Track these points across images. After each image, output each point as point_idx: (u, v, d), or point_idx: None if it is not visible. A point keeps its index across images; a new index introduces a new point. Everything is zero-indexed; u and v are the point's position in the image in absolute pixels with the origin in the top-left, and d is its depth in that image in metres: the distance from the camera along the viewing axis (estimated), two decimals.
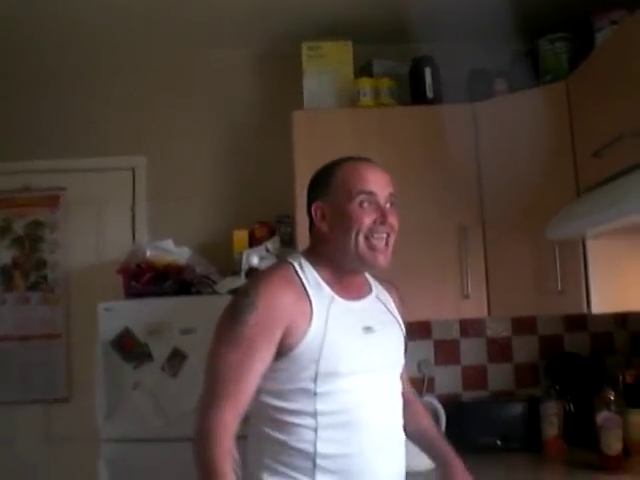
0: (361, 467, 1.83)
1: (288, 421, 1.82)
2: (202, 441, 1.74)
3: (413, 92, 3.16)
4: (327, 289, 1.89)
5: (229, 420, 1.75)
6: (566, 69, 2.85)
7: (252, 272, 2.92)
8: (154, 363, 2.80)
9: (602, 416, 2.62)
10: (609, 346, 3.32)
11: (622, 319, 3.30)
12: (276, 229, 3.26)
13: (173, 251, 3.12)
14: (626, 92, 2.19)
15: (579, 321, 3.32)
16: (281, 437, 1.82)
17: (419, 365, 3.29)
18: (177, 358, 2.78)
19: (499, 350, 3.38)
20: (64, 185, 3.54)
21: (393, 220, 1.89)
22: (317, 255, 1.94)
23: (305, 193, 2.00)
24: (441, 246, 2.93)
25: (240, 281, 2.87)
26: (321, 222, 1.92)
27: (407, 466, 1.98)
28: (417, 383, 3.07)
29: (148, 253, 3.08)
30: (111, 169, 3.54)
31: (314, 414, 1.81)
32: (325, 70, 3.14)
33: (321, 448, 1.80)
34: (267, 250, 3.11)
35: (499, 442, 3.00)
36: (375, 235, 1.86)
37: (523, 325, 3.37)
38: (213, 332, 1.84)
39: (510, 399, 3.23)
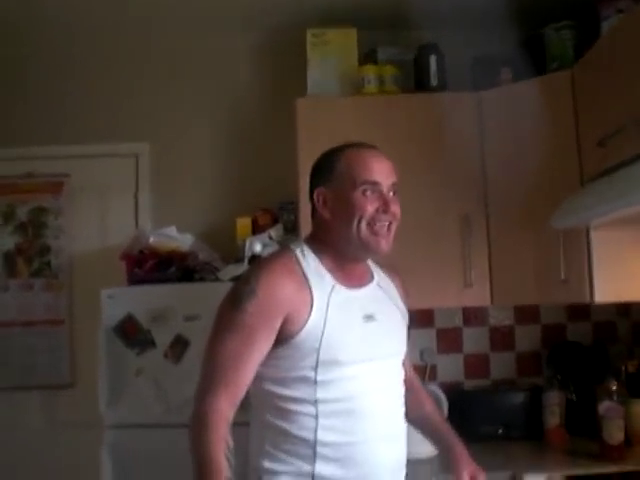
0: (362, 455, 1.83)
1: (290, 409, 1.83)
2: (197, 427, 1.75)
3: (417, 80, 3.15)
4: (328, 277, 1.89)
5: (224, 407, 1.76)
6: (571, 57, 2.83)
7: (255, 259, 2.92)
8: (157, 350, 2.80)
9: (604, 406, 2.62)
10: (612, 336, 3.32)
11: (625, 309, 3.30)
12: (279, 216, 3.26)
13: (176, 238, 3.12)
14: (631, 81, 2.18)
15: (582, 310, 3.32)
16: (283, 425, 1.83)
17: (421, 353, 3.29)
18: (180, 345, 2.78)
19: (501, 339, 3.38)
20: (68, 171, 3.54)
21: (396, 209, 1.89)
22: (319, 242, 1.94)
23: (308, 179, 2.00)
24: (444, 235, 2.93)
25: (243, 268, 2.87)
26: (323, 208, 1.92)
27: (408, 453, 1.99)
28: (419, 371, 3.07)
29: (151, 240, 3.08)
30: (114, 155, 3.53)
31: (315, 402, 1.81)
32: (329, 57, 3.12)
33: (322, 436, 1.80)
34: (270, 237, 3.10)
35: (501, 431, 3.01)
36: (377, 223, 1.87)
37: (526, 314, 3.37)
38: (214, 318, 1.85)
39: (512, 388, 3.24)
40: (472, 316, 3.38)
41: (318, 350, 1.79)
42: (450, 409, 2.92)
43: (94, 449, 2.78)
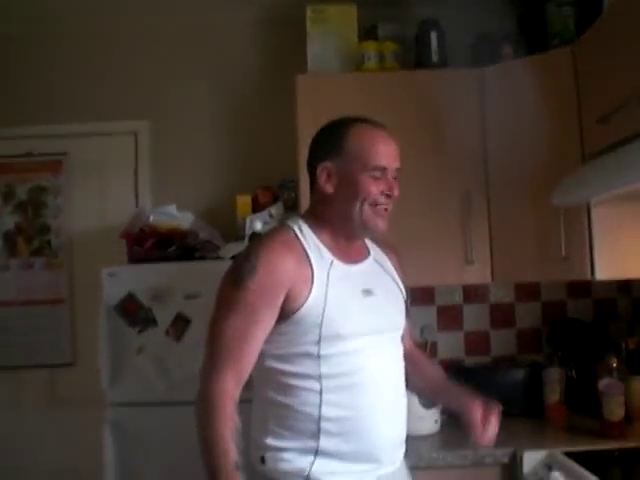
0: (365, 429, 1.85)
1: (293, 384, 1.84)
2: (204, 407, 1.76)
3: (418, 56, 3.13)
4: (326, 253, 1.90)
5: (230, 386, 1.77)
6: (573, 34, 2.81)
7: (255, 237, 2.92)
8: (158, 328, 2.80)
9: (604, 382, 2.63)
10: (612, 312, 3.32)
11: (625, 285, 3.31)
12: (279, 194, 3.25)
13: (176, 216, 3.11)
14: (633, 58, 2.16)
15: (582, 287, 3.32)
16: (286, 401, 1.84)
17: (422, 330, 3.30)
18: (181, 323, 2.79)
19: (502, 316, 3.39)
20: (67, 150, 3.53)
21: (398, 193, 1.93)
22: (317, 218, 1.95)
23: (308, 149, 2.01)
24: (445, 212, 2.93)
25: (244, 246, 2.87)
26: (326, 183, 1.92)
27: (409, 430, 2.01)
28: (420, 348, 3.07)
29: (151, 218, 3.07)
30: (113, 133, 3.52)
31: (319, 377, 1.82)
32: (329, 33, 3.09)
33: (326, 411, 1.82)
34: (270, 215, 3.10)
35: (501, 407, 3.01)
36: (378, 205, 1.90)
37: (526, 291, 3.38)
38: (215, 297, 1.85)
39: (512, 365, 3.24)
40: (472, 293, 3.38)
41: (320, 325, 1.80)
42: None
43: (96, 427, 2.79)
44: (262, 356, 1.85)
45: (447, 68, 3.05)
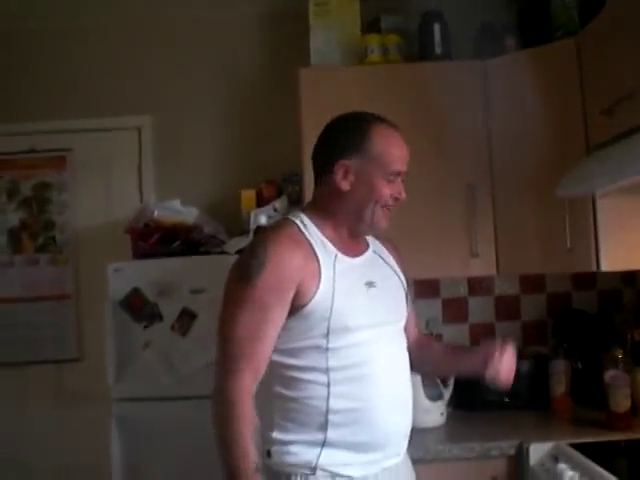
0: (372, 419, 1.86)
1: (300, 378, 1.84)
2: (221, 403, 1.76)
3: (421, 48, 3.11)
4: (330, 246, 1.92)
5: (248, 384, 1.77)
6: (577, 25, 2.79)
7: (259, 231, 2.92)
8: (164, 323, 2.81)
9: (610, 374, 2.62)
10: (617, 304, 3.32)
11: (631, 277, 3.30)
12: (283, 188, 3.25)
13: (181, 211, 3.11)
14: (637, 50, 2.15)
15: (587, 279, 3.32)
16: (292, 394, 1.85)
17: (427, 323, 3.29)
18: (186, 317, 2.79)
19: (507, 308, 3.38)
20: (70, 146, 3.53)
21: (405, 196, 1.97)
22: (321, 211, 1.96)
23: (312, 149, 2.02)
24: (450, 204, 2.92)
25: (248, 241, 2.87)
26: (342, 180, 1.92)
27: (414, 422, 2.02)
28: None
29: (156, 213, 3.07)
30: (117, 129, 3.52)
31: (326, 370, 1.83)
32: (332, 26, 3.08)
33: (333, 404, 1.82)
34: (275, 209, 3.10)
35: (507, 399, 3.01)
36: (388, 207, 1.94)
37: (531, 283, 3.37)
38: (223, 294, 1.85)
39: (518, 357, 3.21)
40: (477, 286, 3.38)
41: (329, 319, 1.81)
42: (456, 378, 2.93)
43: (102, 422, 2.80)
44: None
45: (450, 60, 3.04)
